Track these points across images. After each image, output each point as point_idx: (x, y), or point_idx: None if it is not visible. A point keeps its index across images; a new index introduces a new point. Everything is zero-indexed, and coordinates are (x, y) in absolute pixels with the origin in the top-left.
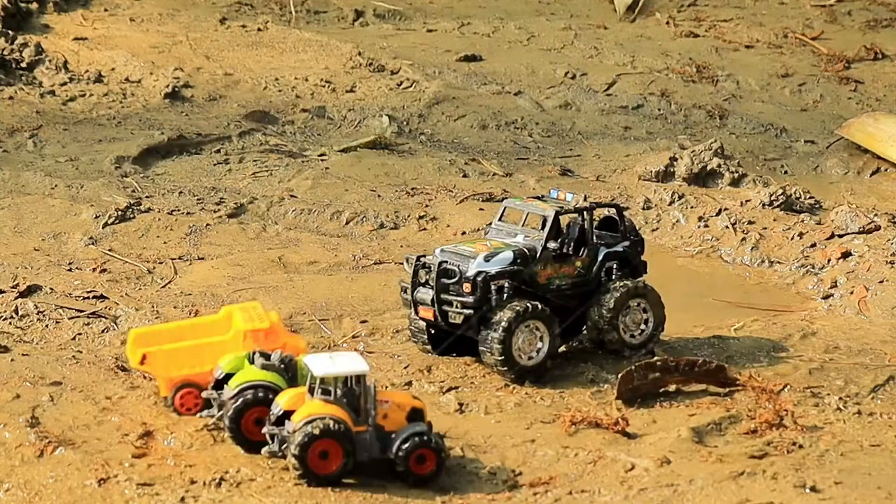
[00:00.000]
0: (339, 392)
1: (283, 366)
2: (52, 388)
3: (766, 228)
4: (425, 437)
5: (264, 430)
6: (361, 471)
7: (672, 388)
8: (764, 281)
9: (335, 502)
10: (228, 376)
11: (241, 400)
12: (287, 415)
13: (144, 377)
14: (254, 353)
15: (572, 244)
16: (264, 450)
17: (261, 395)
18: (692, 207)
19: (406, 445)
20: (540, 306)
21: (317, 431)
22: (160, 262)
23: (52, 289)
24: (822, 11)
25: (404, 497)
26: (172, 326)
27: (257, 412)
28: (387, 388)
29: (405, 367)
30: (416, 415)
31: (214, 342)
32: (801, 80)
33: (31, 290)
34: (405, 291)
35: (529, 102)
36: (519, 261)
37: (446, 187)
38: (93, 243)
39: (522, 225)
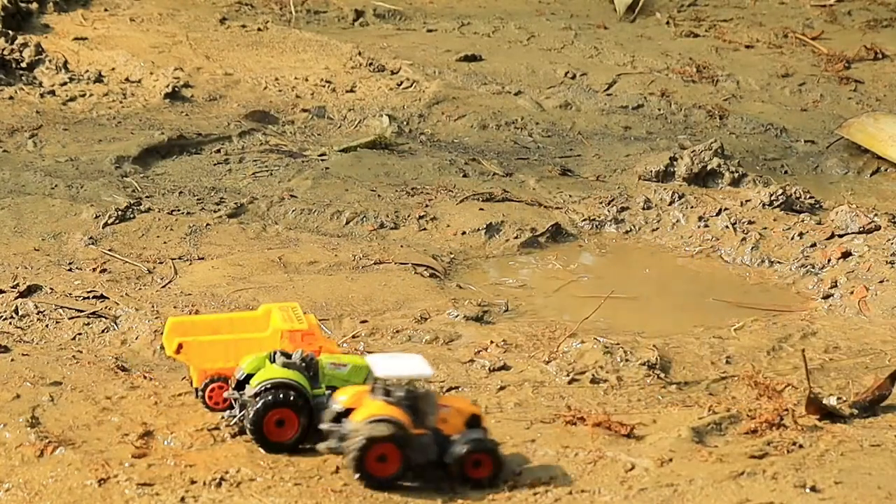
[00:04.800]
0: (400, 394)
1: (304, 364)
2: (52, 388)
3: (766, 228)
4: (483, 443)
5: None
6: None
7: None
8: (764, 281)
9: (335, 502)
10: (250, 377)
11: (262, 402)
12: (346, 412)
13: (145, 377)
14: (275, 353)
15: None
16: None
17: (281, 395)
18: (692, 207)
19: (464, 450)
20: None
21: (376, 434)
22: (160, 262)
23: (52, 289)
24: (822, 11)
25: (404, 497)
26: (210, 318)
27: (279, 413)
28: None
29: None
30: (474, 421)
31: (252, 339)
32: (801, 80)
33: (31, 290)
34: None
35: (529, 102)
36: None
37: (446, 187)
38: (93, 243)
39: None
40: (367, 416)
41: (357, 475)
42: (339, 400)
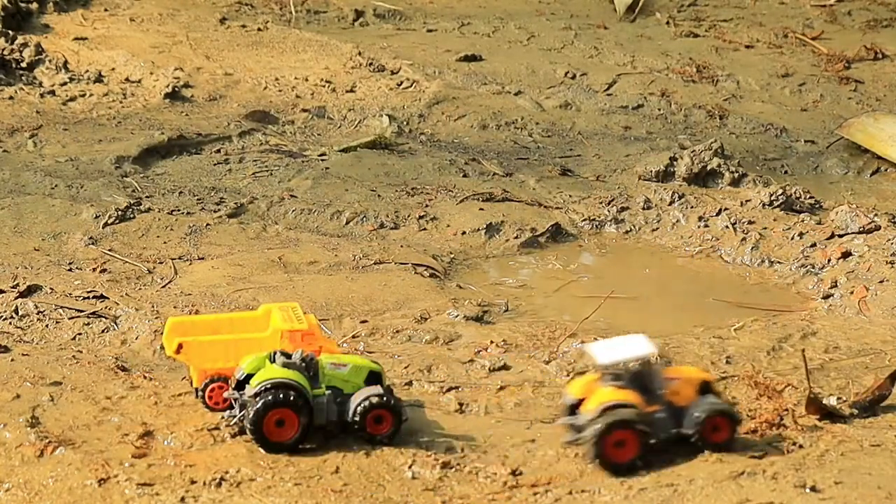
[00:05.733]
0: (627, 377)
1: (304, 364)
2: (52, 388)
3: (766, 228)
4: (716, 406)
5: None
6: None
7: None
8: (764, 281)
9: (335, 502)
10: (250, 377)
11: (262, 402)
12: (578, 404)
13: (145, 377)
14: (275, 353)
15: None
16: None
17: (281, 395)
18: (692, 207)
19: (701, 417)
20: None
21: (611, 420)
22: (160, 262)
23: (52, 289)
24: (822, 11)
25: (404, 497)
26: (210, 318)
27: (279, 413)
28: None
29: (405, 367)
30: (706, 387)
31: (252, 339)
32: (801, 80)
33: (31, 290)
34: None
35: (529, 102)
36: None
37: (446, 187)
38: (93, 243)
39: None
40: (598, 403)
41: (598, 463)
42: (570, 392)
